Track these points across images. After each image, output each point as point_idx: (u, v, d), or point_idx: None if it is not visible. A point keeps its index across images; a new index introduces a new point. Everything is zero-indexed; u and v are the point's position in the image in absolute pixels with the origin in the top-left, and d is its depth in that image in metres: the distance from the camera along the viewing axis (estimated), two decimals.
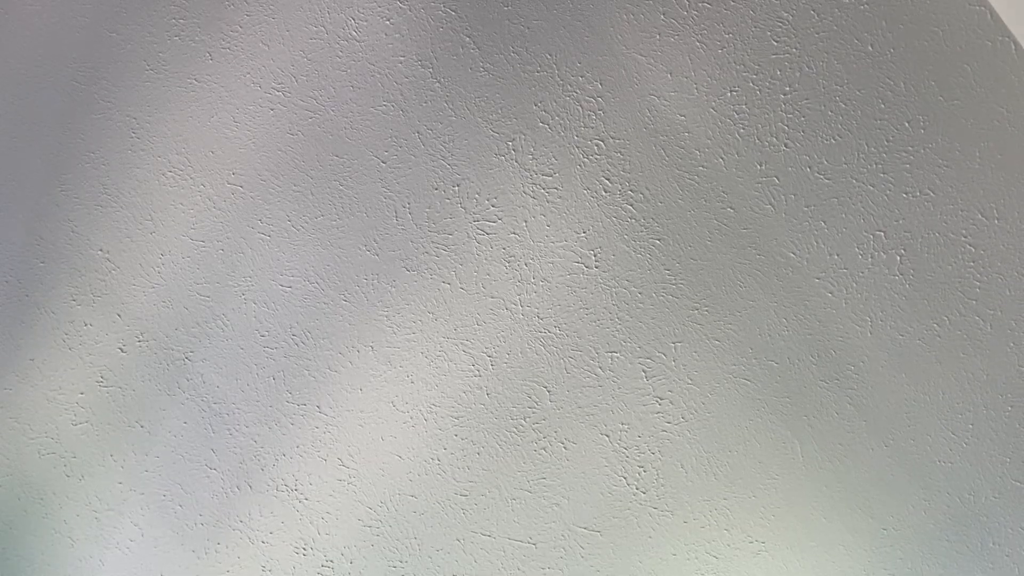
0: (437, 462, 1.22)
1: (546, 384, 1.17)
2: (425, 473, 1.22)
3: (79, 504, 1.30)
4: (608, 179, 1.10)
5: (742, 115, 1.05)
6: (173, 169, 1.20)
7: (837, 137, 1.04)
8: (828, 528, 1.16)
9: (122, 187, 1.22)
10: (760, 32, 1.03)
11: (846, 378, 1.11)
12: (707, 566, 1.19)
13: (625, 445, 1.17)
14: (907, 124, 1.02)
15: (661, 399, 1.15)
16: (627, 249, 1.11)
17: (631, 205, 1.10)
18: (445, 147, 1.13)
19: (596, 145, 1.09)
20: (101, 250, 1.24)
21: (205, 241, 1.21)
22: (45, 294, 1.27)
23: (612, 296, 1.13)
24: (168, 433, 1.27)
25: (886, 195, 1.05)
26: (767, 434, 1.14)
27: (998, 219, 1.03)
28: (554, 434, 1.19)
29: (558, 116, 1.10)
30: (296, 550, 1.27)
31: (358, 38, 1.13)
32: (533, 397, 1.18)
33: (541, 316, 1.15)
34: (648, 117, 1.08)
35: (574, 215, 1.12)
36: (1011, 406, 1.09)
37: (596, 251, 1.12)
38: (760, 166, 1.07)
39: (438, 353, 1.19)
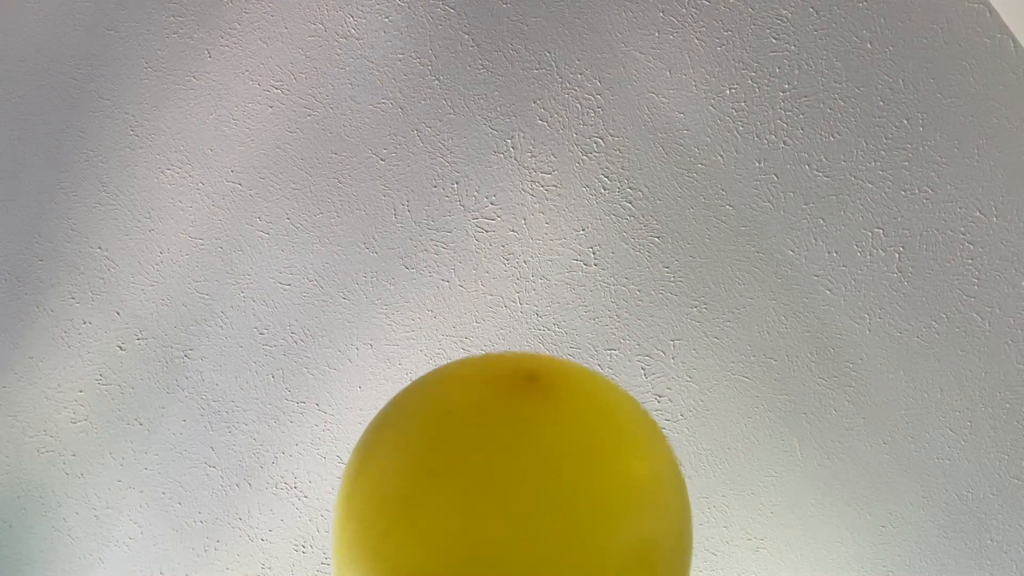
0: None
1: None
2: None
3: (78, 502, 1.30)
4: (607, 176, 1.10)
5: (741, 112, 1.06)
6: (172, 167, 1.20)
7: (836, 135, 1.04)
8: (826, 525, 1.16)
9: (121, 185, 1.22)
10: (759, 29, 1.03)
11: (844, 375, 1.11)
12: (706, 563, 1.20)
13: None
14: (906, 121, 1.03)
15: (660, 396, 1.15)
16: (626, 247, 1.12)
17: (630, 203, 1.10)
18: (444, 145, 1.13)
19: (595, 143, 1.09)
20: (100, 248, 1.24)
21: (204, 239, 1.21)
22: (43, 292, 1.26)
23: (611, 294, 1.13)
24: (167, 431, 1.27)
25: (885, 192, 1.05)
26: (766, 432, 1.14)
27: (996, 217, 1.03)
28: None
29: (557, 114, 1.10)
30: (295, 548, 1.27)
31: (357, 36, 1.13)
32: None
33: (540, 314, 1.15)
34: (647, 115, 1.08)
35: (573, 213, 1.12)
36: (1009, 403, 1.09)
37: (595, 248, 1.12)
38: (759, 163, 1.07)
39: (437, 351, 1.19)
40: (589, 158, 1.10)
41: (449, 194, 1.14)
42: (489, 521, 0.29)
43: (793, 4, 1.02)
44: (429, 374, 0.36)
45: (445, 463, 0.31)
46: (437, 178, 1.14)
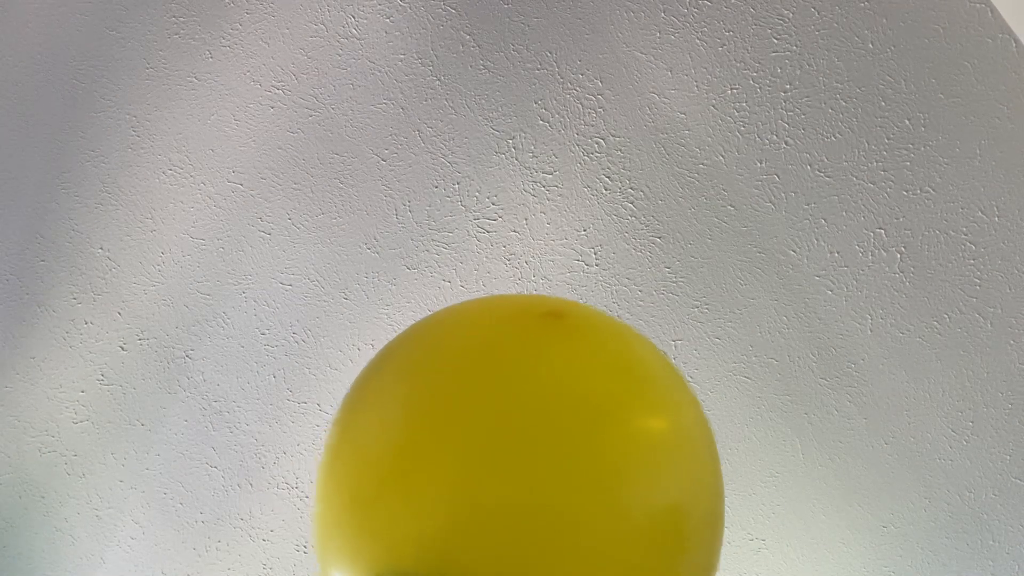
0: None
1: None
2: None
3: (80, 502, 1.30)
4: (608, 177, 1.10)
5: (742, 113, 1.05)
6: (173, 167, 1.20)
7: (837, 135, 1.04)
8: (828, 525, 1.16)
9: (122, 185, 1.22)
10: (760, 29, 1.03)
11: (846, 376, 1.11)
12: None
13: None
14: (907, 121, 1.02)
15: None
16: (627, 247, 1.11)
17: (631, 203, 1.10)
18: (445, 145, 1.13)
19: (596, 143, 1.09)
20: (101, 248, 1.24)
21: (205, 239, 1.21)
22: (45, 292, 1.26)
23: (612, 294, 1.13)
24: (169, 431, 1.27)
25: (886, 193, 1.05)
26: (767, 432, 1.14)
27: (998, 216, 1.03)
28: None
29: (558, 114, 1.10)
30: (297, 548, 1.27)
31: (358, 36, 1.13)
32: None
33: None
34: (648, 115, 1.07)
35: (574, 213, 1.12)
36: (1011, 403, 1.09)
37: (596, 249, 1.12)
38: (760, 164, 1.07)
39: None
40: (590, 158, 1.10)
41: (450, 194, 1.14)
42: (493, 482, 0.24)
43: (795, 4, 1.02)
44: (434, 314, 0.30)
45: (445, 412, 0.25)
46: (438, 178, 1.14)
